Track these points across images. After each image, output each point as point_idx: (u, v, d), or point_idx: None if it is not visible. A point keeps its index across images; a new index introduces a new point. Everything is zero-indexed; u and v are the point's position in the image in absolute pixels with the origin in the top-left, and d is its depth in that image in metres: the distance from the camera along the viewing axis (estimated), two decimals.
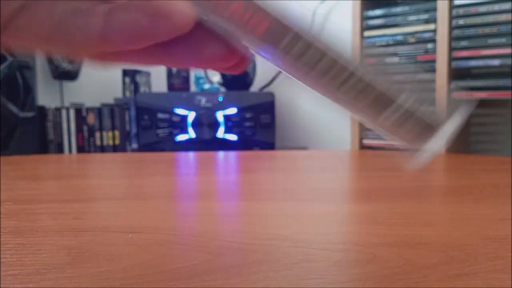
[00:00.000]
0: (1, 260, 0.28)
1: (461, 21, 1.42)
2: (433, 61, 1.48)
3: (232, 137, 1.82)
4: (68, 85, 2.03)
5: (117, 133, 1.97)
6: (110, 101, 2.06)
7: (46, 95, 2.09)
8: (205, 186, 0.57)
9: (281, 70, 0.18)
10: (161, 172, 0.70)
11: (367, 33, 1.61)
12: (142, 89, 2.07)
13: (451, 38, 1.44)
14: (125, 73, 2.03)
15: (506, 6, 1.35)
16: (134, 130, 1.98)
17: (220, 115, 1.81)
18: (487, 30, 1.39)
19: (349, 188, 0.58)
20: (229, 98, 1.79)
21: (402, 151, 0.17)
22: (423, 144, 0.17)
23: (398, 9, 1.55)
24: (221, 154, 0.95)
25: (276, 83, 2.07)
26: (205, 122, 1.81)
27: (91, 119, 1.94)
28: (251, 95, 1.85)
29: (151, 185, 0.57)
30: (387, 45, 1.57)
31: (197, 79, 1.97)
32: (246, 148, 1.82)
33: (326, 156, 0.94)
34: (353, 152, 1.35)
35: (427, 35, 1.50)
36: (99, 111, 1.95)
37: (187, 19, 0.17)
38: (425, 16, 1.50)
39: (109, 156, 1.19)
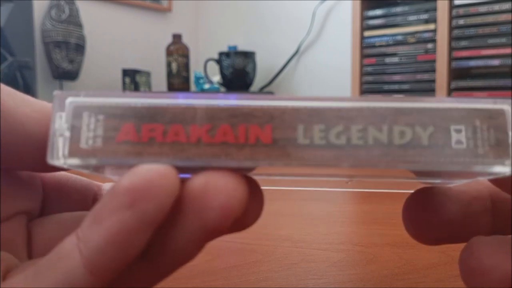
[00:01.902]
0: None
1: (461, 21, 1.42)
2: (433, 61, 1.48)
3: None
4: (68, 85, 2.03)
5: None
6: None
7: (46, 95, 2.09)
8: None
9: None
10: None
11: (367, 33, 1.61)
12: (142, 89, 2.07)
13: (451, 38, 1.45)
14: (125, 73, 2.03)
15: (506, 6, 1.35)
16: None
17: None
18: (487, 30, 1.39)
19: (349, 188, 0.58)
20: None
21: None
22: None
23: (398, 9, 1.55)
24: None
25: (276, 83, 2.07)
26: None
27: None
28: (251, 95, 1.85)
29: None
30: (387, 45, 1.57)
31: (197, 79, 1.97)
32: None
33: None
34: None
35: (427, 35, 1.50)
36: None
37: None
38: (425, 16, 1.50)
39: None
